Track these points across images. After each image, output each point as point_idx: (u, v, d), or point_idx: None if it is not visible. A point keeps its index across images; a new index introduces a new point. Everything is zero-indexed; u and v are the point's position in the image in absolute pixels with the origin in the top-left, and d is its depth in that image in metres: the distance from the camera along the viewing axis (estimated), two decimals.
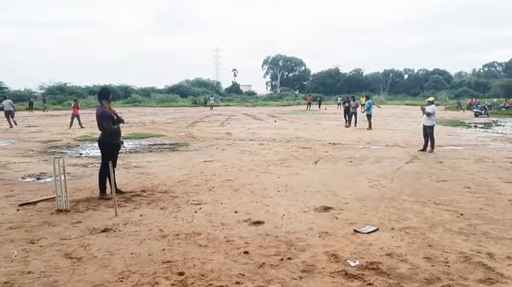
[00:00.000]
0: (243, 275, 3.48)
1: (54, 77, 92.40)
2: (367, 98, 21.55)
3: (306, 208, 5.54)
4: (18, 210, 5.45)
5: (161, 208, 5.53)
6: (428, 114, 11.12)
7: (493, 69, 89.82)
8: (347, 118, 20.22)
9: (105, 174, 5.96)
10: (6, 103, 20.25)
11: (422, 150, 11.13)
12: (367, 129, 18.05)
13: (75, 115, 19.17)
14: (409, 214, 5.27)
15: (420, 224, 4.86)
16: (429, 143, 11.14)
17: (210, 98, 46.93)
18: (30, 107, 35.53)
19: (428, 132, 11.13)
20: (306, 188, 6.72)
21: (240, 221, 4.97)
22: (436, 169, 8.50)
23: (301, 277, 3.44)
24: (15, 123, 19.67)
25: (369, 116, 18.73)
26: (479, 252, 3.99)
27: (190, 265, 3.67)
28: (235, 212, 5.36)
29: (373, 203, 5.79)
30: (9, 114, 19.69)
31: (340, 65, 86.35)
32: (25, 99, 42.47)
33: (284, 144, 12.94)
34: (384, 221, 4.99)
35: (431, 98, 11.83)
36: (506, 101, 40.02)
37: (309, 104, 42.94)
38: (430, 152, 10.92)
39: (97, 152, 11.16)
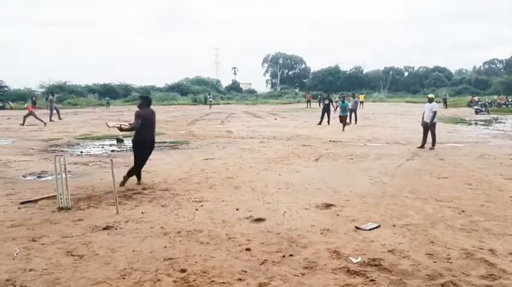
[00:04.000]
0: (245, 272, 3.48)
1: (54, 76, 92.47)
2: (344, 98, 19.11)
3: (307, 205, 5.54)
4: (19, 208, 5.46)
5: (162, 206, 5.53)
6: (435, 114, 11.09)
7: (494, 66, 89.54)
8: (328, 117, 19.33)
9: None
10: None
11: (421, 147, 11.11)
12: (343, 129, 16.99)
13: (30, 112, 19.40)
14: (411, 211, 5.27)
15: (422, 221, 4.86)
16: (430, 140, 11.12)
17: (208, 96, 47.00)
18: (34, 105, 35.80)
19: (431, 129, 11.10)
20: (307, 186, 6.72)
21: (241, 219, 4.97)
22: (437, 166, 8.50)
23: (303, 274, 3.44)
24: None
25: (343, 117, 17.49)
26: (481, 248, 3.99)
27: (192, 262, 3.67)
28: (237, 209, 5.36)
29: (374, 200, 5.79)
30: None
31: (340, 62, 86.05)
32: (25, 99, 42.49)
33: (284, 142, 12.93)
34: (385, 218, 4.99)
35: (431, 95, 11.75)
36: (503, 98, 39.74)
37: (309, 101, 42.91)
38: (431, 149, 10.90)
39: (97, 151, 11.21)
